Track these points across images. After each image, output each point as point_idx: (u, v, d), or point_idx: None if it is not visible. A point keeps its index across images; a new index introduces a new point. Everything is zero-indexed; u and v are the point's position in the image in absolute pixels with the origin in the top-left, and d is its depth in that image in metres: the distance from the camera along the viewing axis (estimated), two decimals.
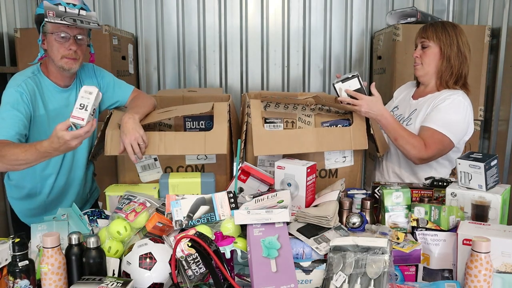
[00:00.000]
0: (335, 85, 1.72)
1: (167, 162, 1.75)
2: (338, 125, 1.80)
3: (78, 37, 1.69)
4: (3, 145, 1.50)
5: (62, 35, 1.65)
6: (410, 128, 1.83)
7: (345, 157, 1.77)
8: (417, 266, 1.32)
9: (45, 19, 1.57)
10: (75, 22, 1.60)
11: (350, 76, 1.71)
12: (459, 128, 1.77)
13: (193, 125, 1.94)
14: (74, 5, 1.64)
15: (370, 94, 1.74)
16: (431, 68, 1.86)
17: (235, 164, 1.71)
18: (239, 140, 1.67)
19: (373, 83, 1.75)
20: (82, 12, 1.64)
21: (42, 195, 1.85)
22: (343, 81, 1.71)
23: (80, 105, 1.33)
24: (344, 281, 1.13)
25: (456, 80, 1.84)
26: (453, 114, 1.75)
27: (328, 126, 1.81)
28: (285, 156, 1.72)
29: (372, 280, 1.11)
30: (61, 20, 1.58)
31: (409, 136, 1.70)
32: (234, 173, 1.69)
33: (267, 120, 1.84)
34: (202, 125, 1.93)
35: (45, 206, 1.87)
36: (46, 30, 1.66)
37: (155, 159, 1.75)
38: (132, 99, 1.92)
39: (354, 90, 1.69)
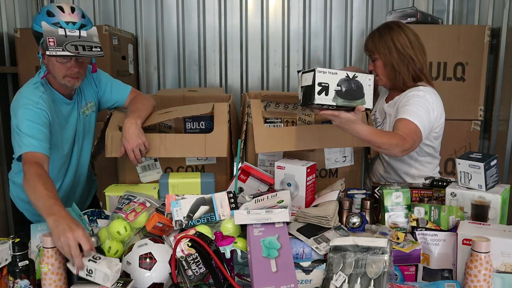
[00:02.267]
0: (297, 73, 1.55)
1: (167, 163, 1.75)
2: None
3: (79, 60, 1.64)
4: (40, 176, 1.41)
5: (64, 59, 1.61)
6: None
7: (345, 156, 1.77)
8: (417, 266, 1.32)
9: (47, 52, 1.51)
10: (77, 51, 1.54)
11: (311, 68, 1.43)
12: (425, 120, 1.70)
13: (193, 126, 1.94)
14: (74, 23, 1.57)
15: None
16: (384, 78, 1.84)
17: (235, 164, 1.71)
18: (239, 140, 1.67)
19: (360, 106, 1.43)
20: (83, 33, 1.58)
21: None
22: (304, 72, 1.45)
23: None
24: (344, 281, 1.13)
25: (413, 79, 1.81)
26: (418, 108, 1.70)
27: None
28: (286, 156, 1.72)
29: (372, 280, 1.11)
30: (62, 50, 1.52)
31: (389, 138, 1.60)
32: (234, 173, 1.69)
33: (267, 120, 1.84)
34: (202, 125, 1.93)
35: None
36: (46, 49, 1.54)
37: (155, 160, 1.75)
38: (131, 100, 1.90)
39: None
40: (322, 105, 1.39)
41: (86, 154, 1.90)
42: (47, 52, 1.52)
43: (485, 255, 1.10)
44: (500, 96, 2.78)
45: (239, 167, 1.66)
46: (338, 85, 1.39)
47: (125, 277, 1.20)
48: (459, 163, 1.45)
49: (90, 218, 1.51)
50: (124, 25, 3.30)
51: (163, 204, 1.43)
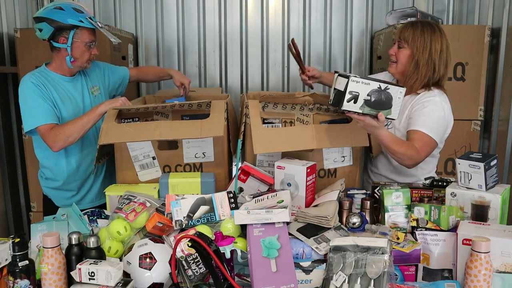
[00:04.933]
0: (334, 73, 1.60)
1: (165, 160, 1.75)
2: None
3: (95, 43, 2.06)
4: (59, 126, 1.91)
5: (91, 43, 2.00)
6: (391, 132, 1.83)
7: (344, 156, 1.77)
8: (417, 266, 1.32)
9: (93, 27, 1.96)
10: (115, 38, 2.04)
11: (348, 75, 1.51)
12: (441, 128, 1.78)
13: None
14: (93, 17, 2.00)
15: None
16: (402, 69, 1.85)
17: (234, 163, 1.71)
18: (239, 140, 1.67)
19: (380, 115, 1.49)
20: (100, 24, 2.01)
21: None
22: (341, 75, 1.52)
23: None
24: (344, 281, 1.13)
25: (423, 86, 1.83)
26: (435, 116, 1.75)
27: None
28: (285, 156, 1.72)
29: (372, 280, 1.11)
30: (108, 37, 2.01)
31: (405, 149, 1.64)
32: (234, 173, 1.69)
33: (265, 121, 1.84)
34: (199, 120, 1.93)
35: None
36: (77, 39, 1.95)
37: (153, 158, 1.75)
38: (139, 68, 2.50)
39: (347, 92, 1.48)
40: (349, 110, 1.47)
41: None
42: (95, 26, 1.95)
43: (485, 255, 1.10)
44: (500, 96, 2.78)
45: (239, 167, 1.66)
46: (368, 95, 1.45)
47: (125, 277, 1.20)
48: (459, 163, 1.45)
49: (90, 218, 1.52)
50: (124, 25, 3.30)
51: (163, 204, 1.43)
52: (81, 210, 1.50)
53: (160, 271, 1.21)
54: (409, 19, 2.76)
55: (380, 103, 1.46)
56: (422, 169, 1.88)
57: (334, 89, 1.50)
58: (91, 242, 1.20)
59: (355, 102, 1.45)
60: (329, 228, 1.38)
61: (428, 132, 1.70)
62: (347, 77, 1.44)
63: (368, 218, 1.50)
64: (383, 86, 1.46)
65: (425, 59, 1.78)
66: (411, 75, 1.82)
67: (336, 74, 1.50)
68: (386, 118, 1.49)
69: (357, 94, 1.44)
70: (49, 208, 2.11)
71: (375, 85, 1.45)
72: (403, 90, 1.48)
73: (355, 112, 1.47)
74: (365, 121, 1.50)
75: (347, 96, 1.44)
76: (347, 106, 1.45)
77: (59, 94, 2.00)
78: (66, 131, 1.87)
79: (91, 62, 2.08)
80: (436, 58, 1.79)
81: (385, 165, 1.95)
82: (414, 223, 1.40)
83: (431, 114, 1.74)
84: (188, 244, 1.18)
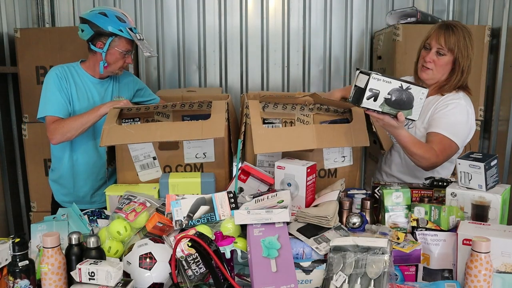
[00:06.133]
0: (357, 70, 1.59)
1: (166, 161, 1.75)
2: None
3: (131, 55, 2.12)
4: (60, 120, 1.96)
5: (126, 52, 2.05)
6: (412, 131, 1.81)
7: (344, 156, 1.77)
8: (417, 266, 1.32)
9: (134, 40, 2.01)
10: (151, 51, 2.04)
11: (369, 72, 1.48)
12: (464, 133, 1.75)
13: None
14: (135, 28, 2.07)
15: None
16: (441, 76, 1.81)
17: (234, 164, 1.71)
18: (239, 140, 1.67)
19: (400, 115, 1.47)
20: (143, 37, 2.09)
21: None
22: (362, 72, 1.51)
23: None
24: (344, 281, 1.13)
25: (454, 87, 1.82)
26: (458, 119, 1.72)
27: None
28: (285, 156, 1.71)
29: (372, 280, 1.11)
30: (143, 50, 2.01)
31: (424, 152, 1.63)
32: (234, 173, 1.69)
33: (265, 121, 1.84)
34: (200, 121, 1.93)
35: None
36: (113, 46, 2.02)
37: (154, 158, 1.75)
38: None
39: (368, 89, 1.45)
40: (368, 108, 1.45)
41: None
42: (135, 41, 2.01)
43: (485, 255, 1.10)
44: (500, 96, 2.78)
45: (239, 167, 1.66)
46: (388, 94, 1.43)
47: (125, 277, 1.20)
48: (459, 163, 1.45)
49: (90, 218, 1.51)
50: None
51: (163, 204, 1.43)
52: (81, 210, 1.51)
53: (160, 271, 1.21)
54: (409, 19, 2.77)
55: (400, 102, 1.44)
56: (438, 173, 1.85)
57: (355, 86, 1.48)
58: (91, 242, 1.20)
59: (374, 100, 1.43)
60: (329, 228, 1.38)
61: (450, 135, 1.68)
62: (369, 74, 1.41)
63: (368, 218, 1.49)
64: (404, 85, 1.43)
65: (468, 63, 1.77)
66: (454, 79, 1.79)
67: (358, 71, 1.48)
68: (406, 118, 1.47)
69: (378, 92, 1.42)
70: (55, 202, 2.20)
71: (396, 84, 1.43)
72: (425, 91, 1.46)
73: (374, 110, 1.45)
74: (384, 120, 1.48)
75: (367, 93, 1.42)
76: (366, 103, 1.43)
77: (78, 90, 2.06)
78: (65, 127, 1.93)
79: (123, 70, 2.14)
80: (471, 59, 1.78)
81: (399, 167, 1.94)
82: (414, 223, 1.40)
83: (454, 117, 1.71)
84: (188, 244, 1.18)
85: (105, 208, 1.63)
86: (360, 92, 1.44)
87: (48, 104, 1.99)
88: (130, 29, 2.03)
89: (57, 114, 1.98)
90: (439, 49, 1.77)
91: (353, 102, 1.50)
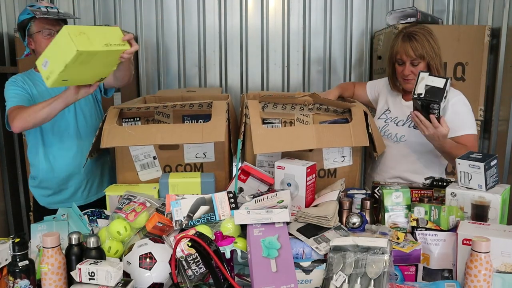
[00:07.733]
0: (420, 73, 1.68)
1: (166, 160, 1.75)
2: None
3: None
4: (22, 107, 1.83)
5: (47, 32, 1.92)
6: (405, 128, 1.89)
7: (343, 156, 1.77)
8: (417, 266, 1.32)
9: (35, 16, 1.87)
10: (59, 14, 1.92)
11: (442, 76, 1.65)
12: (473, 118, 1.87)
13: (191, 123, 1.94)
14: (52, 7, 1.96)
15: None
16: None
17: (234, 164, 1.71)
18: (239, 140, 1.67)
19: (443, 118, 1.65)
20: (61, 11, 1.97)
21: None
22: (430, 74, 1.66)
23: None
24: (344, 281, 1.13)
25: None
26: (466, 113, 1.85)
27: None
28: (285, 156, 1.72)
29: (372, 280, 1.11)
30: (47, 16, 1.89)
31: (464, 152, 1.64)
32: (234, 173, 1.69)
33: (265, 121, 1.84)
34: (200, 123, 1.93)
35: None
36: (32, 32, 1.93)
37: (154, 158, 1.75)
38: None
39: (435, 90, 1.61)
40: (434, 107, 1.62)
41: (88, 120, 2.11)
42: (36, 16, 1.87)
43: (485, 255, 1.10)
44: (500, 96, 2.78)
45: (239, 167, 1.66)
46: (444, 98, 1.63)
47: (125, 277, 1.20)
48: (459, 163, 1.45)
49: (90, 218, 1.52)
50: (124, 25, 3.30)
51: (163, 204, 1.43)
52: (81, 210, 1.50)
53: (160, 271, 1.21)
54: (409, 19, 2.76)
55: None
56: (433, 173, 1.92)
57: (426, 85, 1.62)
58: (91, 242, 1.20)
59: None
60: (329, 228, 1.38)
61: (470, 130, 1.82)
62: (446, 78, 1.61)
63: (368, 218, 1.50)
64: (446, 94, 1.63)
65: (439, 62, 1.83)
66: None
67: (427, 73, 1.65)
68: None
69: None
70: (36, 208, 2.11)
71: (445, 93, 1.61)
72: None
73: (434, 111, 1.62)
74: (440, 127, 1.63)
75: (445, 93, 1.61)
76: (442, 102, 1.61)
77: (38, 90, 1.98)
78: (28, 111, 1.76)
79: None
80: (440, 55, 1.84)
81: (406, 166, 1.95)
82: (414, 223, 1.40)
83: (464, 114, 1.83)
84: (188, 244, 1.18)
85: (103, 202, 1.62)
86: (438, 91, 1.61)
87: (8, 102, 1.89)
88: (40, 8, 1.90)
89: (18, 103, 1.85)
90: (412, 60, 1.83)
91: (425, 97, 1.61)
